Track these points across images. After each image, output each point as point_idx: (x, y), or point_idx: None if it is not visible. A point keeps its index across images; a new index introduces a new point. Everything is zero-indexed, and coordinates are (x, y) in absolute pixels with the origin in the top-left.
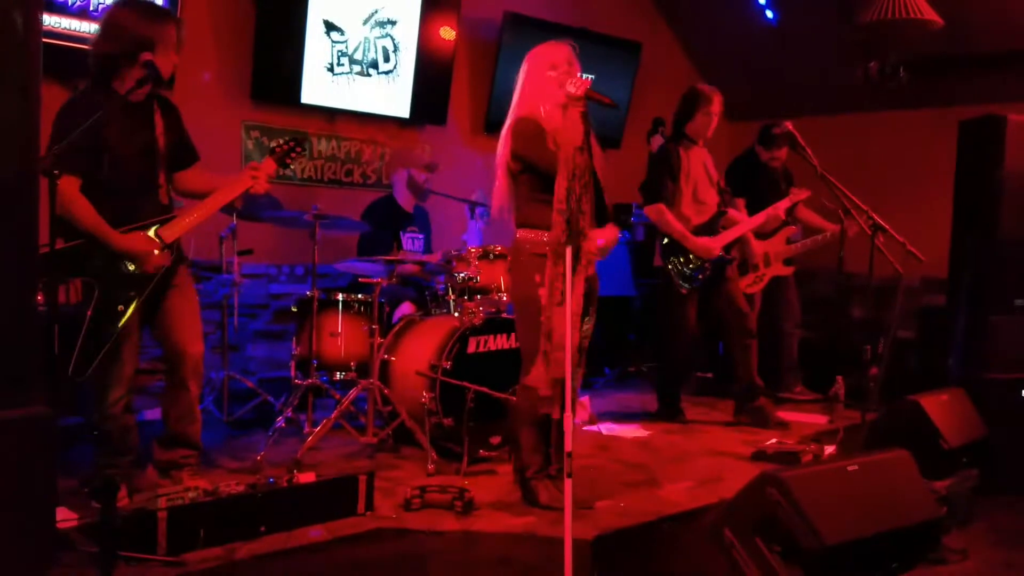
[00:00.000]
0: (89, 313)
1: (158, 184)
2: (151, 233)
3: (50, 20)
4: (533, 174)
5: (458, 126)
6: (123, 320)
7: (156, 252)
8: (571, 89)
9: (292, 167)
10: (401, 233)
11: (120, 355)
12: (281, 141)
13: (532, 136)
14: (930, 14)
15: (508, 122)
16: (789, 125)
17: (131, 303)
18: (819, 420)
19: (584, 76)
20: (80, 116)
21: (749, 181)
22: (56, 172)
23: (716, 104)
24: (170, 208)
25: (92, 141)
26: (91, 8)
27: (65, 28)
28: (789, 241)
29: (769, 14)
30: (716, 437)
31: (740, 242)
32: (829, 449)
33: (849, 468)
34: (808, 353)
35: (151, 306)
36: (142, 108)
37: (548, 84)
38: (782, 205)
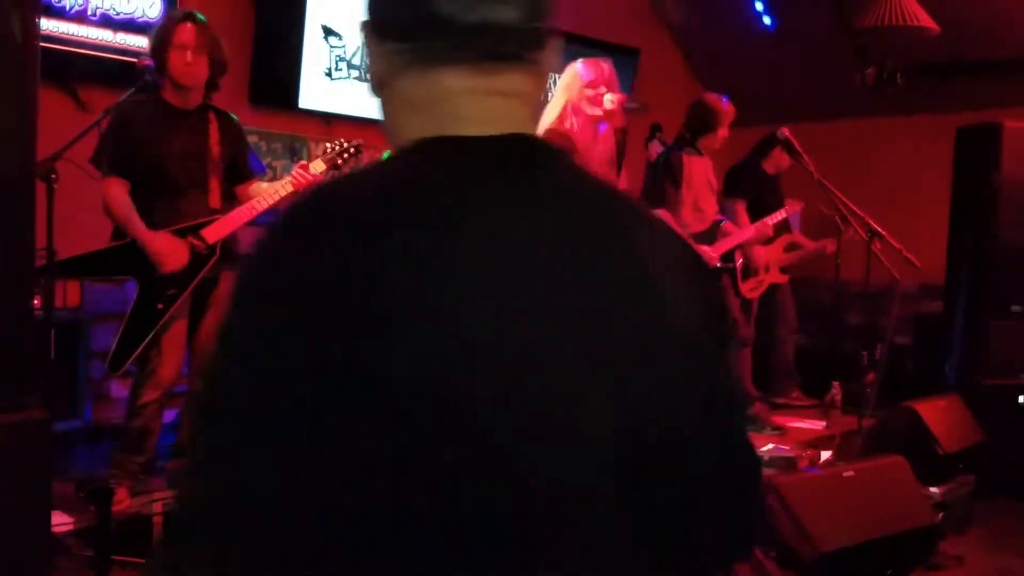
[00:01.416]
0: (130, 309)
1: (208, 188)
2: (192, 235)
3: (48, 24)
4: None
5: None
6: (162, 319)
7: (181, 258)
8: (608, 105)
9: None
10: None
11: (159, 355)
12: (336, 144)
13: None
14: (927, 21)
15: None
16: (786, 131)
17: (172, 302)
18: (816, 426)
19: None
20: (124, 123)
21: (751, 187)
22: (54, 176)
23: (727, 122)
24: (220, 213)
25: (132, 147)
26: (88, 12)
27: (63, 32)
28: (787, 250)
29: (767, 20)
30: None
31: (744, 248)
32: (826, 455)
33: (845, 474)
34: (805, 359)
35: (195, 311)
36: (193, 115)
37: (584, 100)
38: (771, 219)
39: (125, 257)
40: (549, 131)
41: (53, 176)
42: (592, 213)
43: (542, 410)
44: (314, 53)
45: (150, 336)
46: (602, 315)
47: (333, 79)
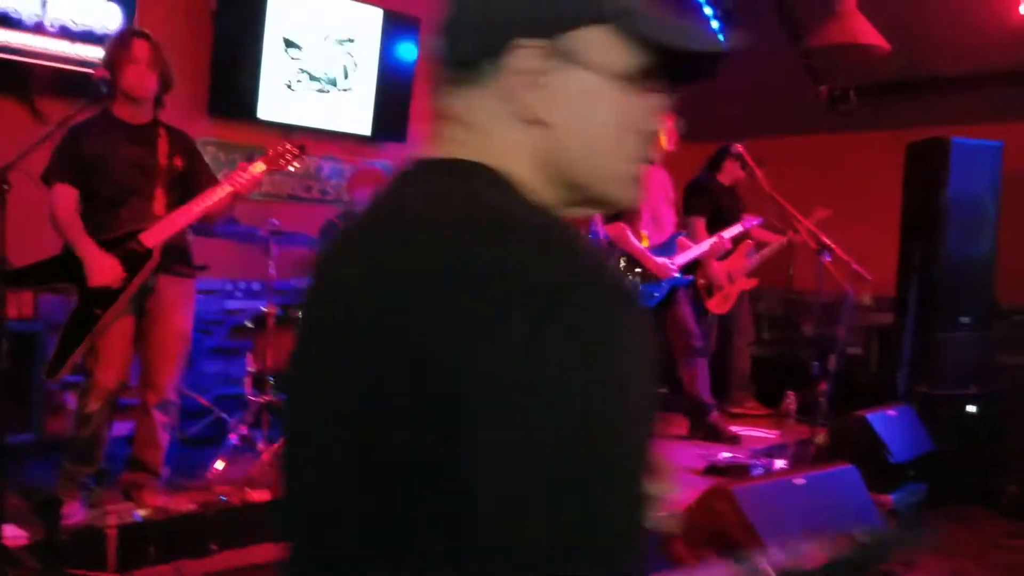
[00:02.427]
0: (68, 317)
1: (151, 196)
2: (130, 240)
3: (5, 35)
4: None
5: (420, 143)
6: (97, 325)
7: (113, 271)
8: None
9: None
10: None
11: (99, 363)
12: (280, 144)
13: None
14: (877, 40)
15: None
16: (739, 147)
17: (108, 306)
18: (770, 434)
19: None
20: (76, 140)
21: (706, 202)
22: (5, 187)
23: (665, 120)
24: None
25: (81, 157)
26: (46, 24)
27: (20, 44)
28: (750, 254)
29: (720, 37)
30: (672, 451)
31: (702, 264)
32: (780, 463)
33: (796, 481)
34: (759, 369)
35: (138, 320)
36: (143, 129)
37: None
38: (727, 232)
39: (65, 266)
40: None
41: (5, 186)
42: (371, 244)
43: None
44: (274, 64)
45: (85, 341)
46: (313, 344)
47: (293, 90)
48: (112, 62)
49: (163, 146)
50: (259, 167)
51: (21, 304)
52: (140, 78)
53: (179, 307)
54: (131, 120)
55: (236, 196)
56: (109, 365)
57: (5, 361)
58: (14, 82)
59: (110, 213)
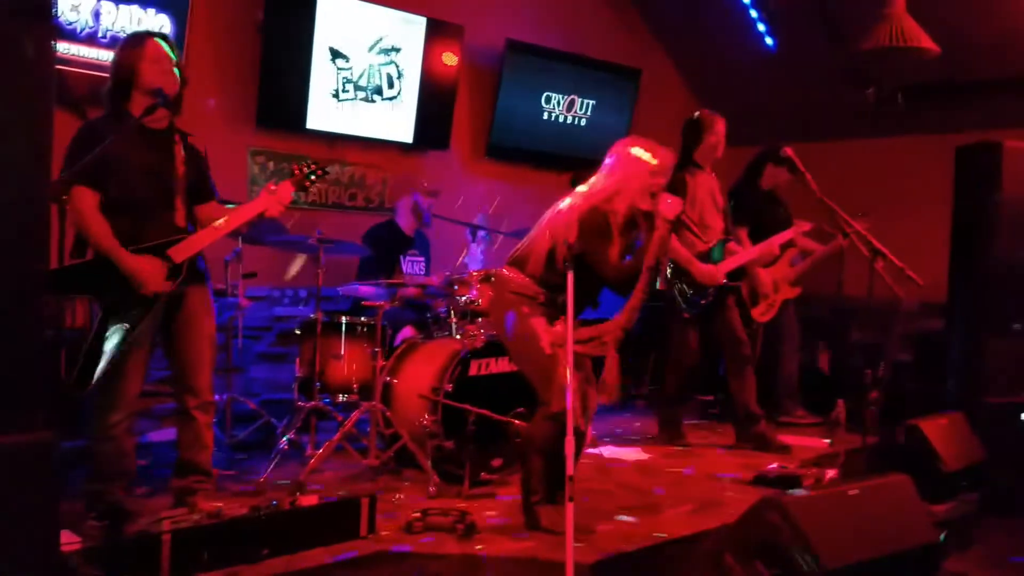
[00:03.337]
0: (94, 329)
1: (173, 207)
2: (159, 254)
3: (59, 46)
4: (575, 263)
5: (460, 151)
6: (127, 338)
7: (160, 278)
8: (668, 213)
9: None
10: (401, 257)
11: (124, 375)
12: (303, 165)
13: (599, 234)
14: (927, 42)
15: (582, 203)
16: (789, 150)
17: (137, 322)
18: (820, 444)
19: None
20: (92, 139)
21: (748, 210)
22: (64, 198)
23: (720, 125)
24: (186, 232)
25: (100, 160)
26: (99, 35)
27: (74, 55)
28: (794, 262)
29: (768, 41)
30: (717, 461)
31: (748, 276)
32: (830, 473)
33: (850, 492)
34: (808, 377)
35: (164, 329)
36: (161, 136)
37: (643, 188)
38: (777, 240)
39: (85, 276)
40: (593, 208)
41: (65, 198)
42: None
43: None
44: (321, 75)
45: (116, 355)
46: None
47: (340, 100)
48: (130, 62)
49: (180, 153)
50: (287, 188)
51: (74, 312)
52: (164, 75)
53: (205, 311)
54: (150, 125)
55: (264, 215)
56: (134, 378)
57: (63, 370)
58: (67, 93)
59: (135, 224)
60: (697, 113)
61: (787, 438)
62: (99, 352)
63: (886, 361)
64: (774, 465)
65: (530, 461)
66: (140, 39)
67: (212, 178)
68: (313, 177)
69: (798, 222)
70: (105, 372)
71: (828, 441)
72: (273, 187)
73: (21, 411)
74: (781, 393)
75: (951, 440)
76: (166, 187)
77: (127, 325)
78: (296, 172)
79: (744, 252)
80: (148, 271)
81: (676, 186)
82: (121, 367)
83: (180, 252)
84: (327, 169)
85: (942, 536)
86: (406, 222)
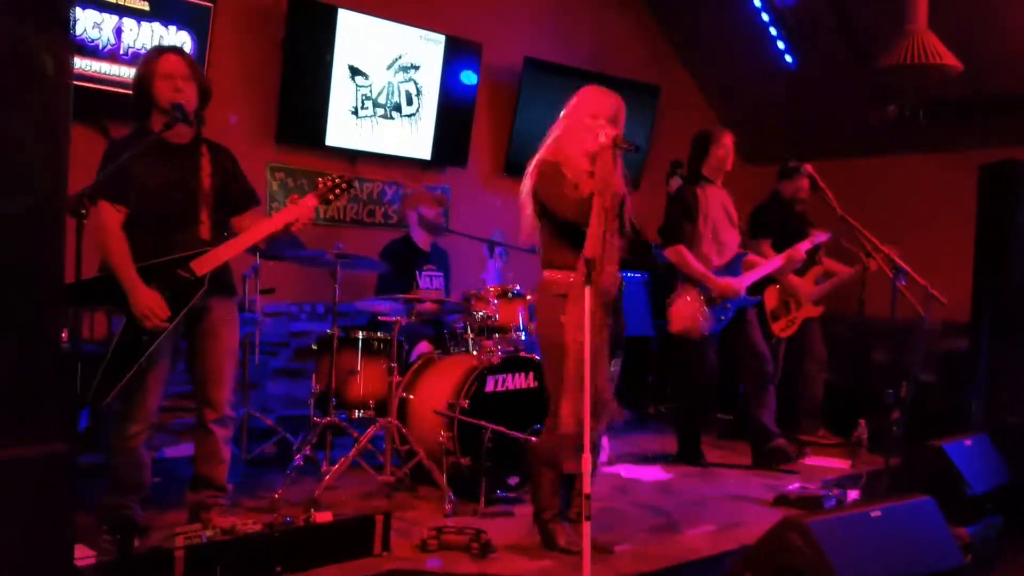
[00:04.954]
0: (115, 341)
1: (198, 220)
2: (181, 267)
3: (81, 63)
4: (548, 218)
5: (479, 168)
6: (147, 351)
7: (162, 316)
8: (601, 139)
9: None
10: (418, 272)
11: (144, 388)
12: (328, 178)
13: (551, 181)
14: (950, 59)
15: (536, 157)
16: (809, 167)
17: (158, 334)
18: (842, 464)
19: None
20: (119, 156)
21: (775, 223)
22: (83, 211)
23: (727, 139)
24: (210, 245)
25: (120, 174)
26: (121, 52)
27: (95, 71)
28: (819, 280)
29: (788, 58)
30: (737, 481)
31: (780, 281)
32: (852, 494)
33: (872, 514)
34: (831, 396)
35: (188, 340)
36: (183, 150)
37: (583, 131)
38: (802, 246)
39: (111, 288)
40: (543, 160)
41: (83, 211)
42: None
43: None
44: (341, 92)
45: (136, 368)
46: None
47: (359, 117)
48: (143, 80)
49: (206, 165)
50: (311, 200)
51: (94, 325)
52: (176, 92)
53: (229, 325)
54: (172, 139)
55: (288, 228)
56: (154, 391)
57: (79, 383)
58: (89, 109)
59: (158, 238)
60: (703, 128)
61: (808, 459)
62: (119, 364)
63: (909, 381)
64: (795, 485)
65: (537, 475)
66: (153, 56)
67: (251, 186)
68: (337, 191)
69: (815, 231)
70: (126, 384)
71: (850, 462)
72: (297, 198)
73: (37, 423)
74: (802, 412)
75: (976, 461)
76: (190, 201)
77: (147, 338)
78: (320, 185)
79: (766, 263)
80: (150, 307)
81: (685, 200)
82: (142, 379)
83: (203, 265)
84: (352, 182)
85: (967, 560)
86: (419, 236)
